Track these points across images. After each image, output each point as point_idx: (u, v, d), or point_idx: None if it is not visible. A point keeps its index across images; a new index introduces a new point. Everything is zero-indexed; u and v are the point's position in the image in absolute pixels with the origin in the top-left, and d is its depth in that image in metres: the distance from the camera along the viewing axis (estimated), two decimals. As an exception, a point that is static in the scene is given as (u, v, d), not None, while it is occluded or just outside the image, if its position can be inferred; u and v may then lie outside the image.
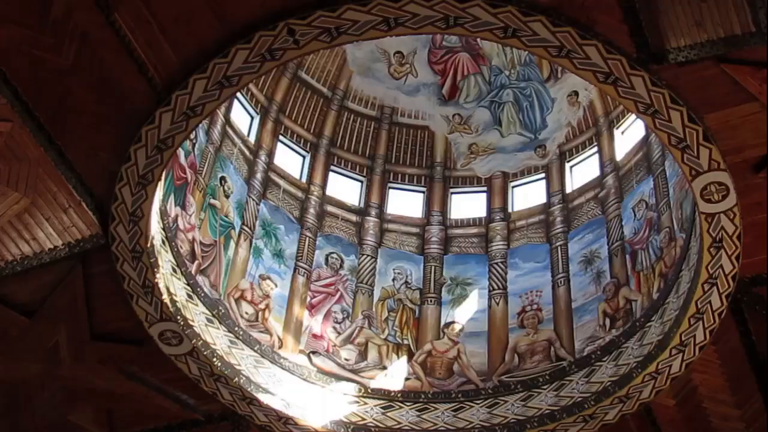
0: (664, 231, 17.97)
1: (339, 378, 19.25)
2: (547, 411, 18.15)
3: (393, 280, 21.08)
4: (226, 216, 19.23)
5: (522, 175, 22.63)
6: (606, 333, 18.57)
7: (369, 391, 19.19)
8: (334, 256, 20.99)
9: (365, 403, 18.97)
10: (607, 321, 18.73)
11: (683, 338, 16.06)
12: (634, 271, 18.69)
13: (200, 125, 16.98)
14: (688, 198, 16.18)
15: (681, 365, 16.29)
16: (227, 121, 19.97)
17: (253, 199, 20.33)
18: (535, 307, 20.11)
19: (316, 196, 21.52)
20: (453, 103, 23.27)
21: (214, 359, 17.20)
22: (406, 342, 20.22)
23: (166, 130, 14.14)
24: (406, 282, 21.04)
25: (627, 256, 19.05)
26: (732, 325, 15.54)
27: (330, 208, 21.66)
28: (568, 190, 21.66)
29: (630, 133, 20.70)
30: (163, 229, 16.43)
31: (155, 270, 15.82)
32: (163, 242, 16.40)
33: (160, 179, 14.87)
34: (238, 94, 20.20)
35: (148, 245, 15.51)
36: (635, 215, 19.38)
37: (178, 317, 16.55)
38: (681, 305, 16.22)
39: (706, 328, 15.73)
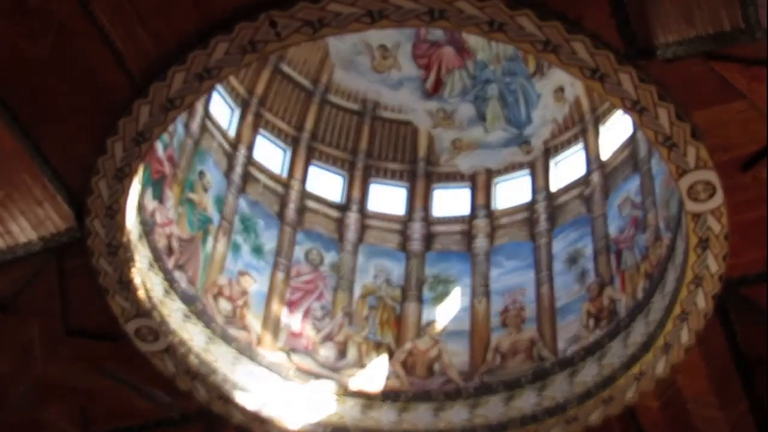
0: (649, 230, 17.94)
1: (318, 376, 19.27)
2: (529, 412, 18.21)
3: (374, 277, 21.11)
4: (205, 210, 19.21)
5: (506, 172, 22.65)
6: (590, 333, 18.61)
7: (348, 390, 19.22)
8: (314, 252, 21.00)
9: (344, 403, 19.00)
10: (591, 321, 18.76)
11: (668, 339, 16.07)
12: (619, 270, 18.71)
13: (179, 118, 16.88)
14: (675, 196, 16.13)
15: (665, 367, 16.30)
16: (206, 113, 19.87)
17: (232, 194, 20.31)
18: (518, 306, 20.14)
19: (296, 191, 21.48)
20: (437, 97, 23.24)
21: (191, 356, 17.26)
22: (386, 340, 20.25)
23: (144, 122, 14.05)
24: (387, 279, 21.10)
25: (612, 255, 19.09)
26: (718, 327, 15.56)
27: (310, 204, 21.62)
28: (553, 187, 21.66)
29: (616, 130, 20.72)
30: (140, 223, 16.39)
31: (131, 265, 15.86)
32: (140, 237, 16.38)
33: (137, 172, 14.82)
34: (218, 87, 20.09)
35: (125, 240, 15.51)
36: (621, 213, 19.39)
37: (155, 313, 16.55)
38: (666, 306, 16.22)
39: (692, 330, 15.73)
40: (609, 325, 18.33)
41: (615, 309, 18.39)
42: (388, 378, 19.65)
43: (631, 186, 19.32)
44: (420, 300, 20.88)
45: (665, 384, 16.52)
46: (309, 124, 22.48)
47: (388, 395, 19.28)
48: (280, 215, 20.96)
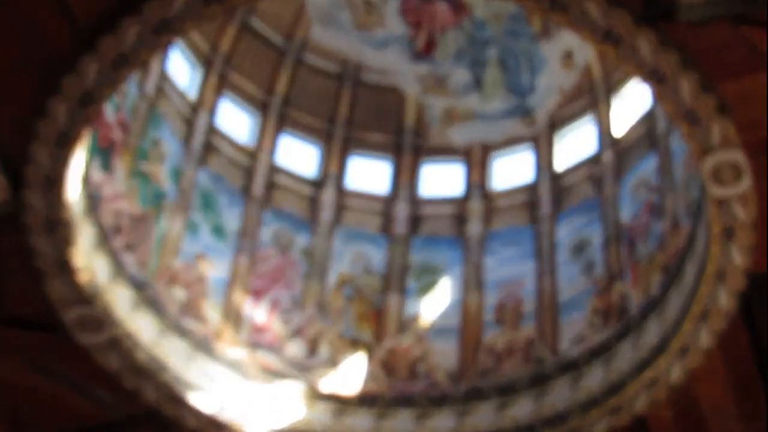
0: (667, 216, 18.09)
1: (284, 376, 19.44)
2: (525, 422, 18.36)
3: (351, 264, 21.28)
4: (159, 184, 19.24)
5: (505, 147, 22.80)
6: (596, 332, 18.79)
7: (319, 392, 19.38)
8: (284, 234, 21.12)
9: (314, 407, 19.16)
10: (598, 318, 18.94)
11: (685, 341, 16.15)
12: (632, 261, 18.86)
13: (131, 77, 17.02)
14: (697, 179, 16.23)
15: (681, 373, 16.38)
16: (163, 73, 19.83)
17: (191, 166, 20.32)
18: (515, 300, 20.34)
19: (264, 163, 21.55)
20: (428, 60, 23.24)
21: (139, 351, 17.25)
22: (363, 337, 20.49)
23: (91, 81, 13.98)
24: (366, 267, 21.29)
25: (623, 245, 19.24)
26: (741, 328, 15.59)
27: (280, 179, 21.73)
28: (558, 166, 21.83)
29: (632, 103, 20.77)
30: (85, 197, 16.32)
31: (73, 245, 15.71)
32: (84, 213, 16.29)
33: (82, 139, 14.73)
34: (177, 42, 20.07)
35: (66, 215, 15.41)
36: (635, 197, 19.52)
37: (98, 300, 16.48)
38: (684, 303, 16.32)
39: (712, 331, 15.74)
40: (618, 323, 18.45)
41: (625, 306, 18.48)
42: (364, 380, 19.81)
43: (648, 166, 19.39)
44: (403, 291, 21.02)
45: (680, 392, 16.58)
46: (281, 88, 22.48)
47: (365, 399, 19.41)
48: (246, 191, 21.02)
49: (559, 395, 18.44)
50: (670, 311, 16.89)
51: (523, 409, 18.59)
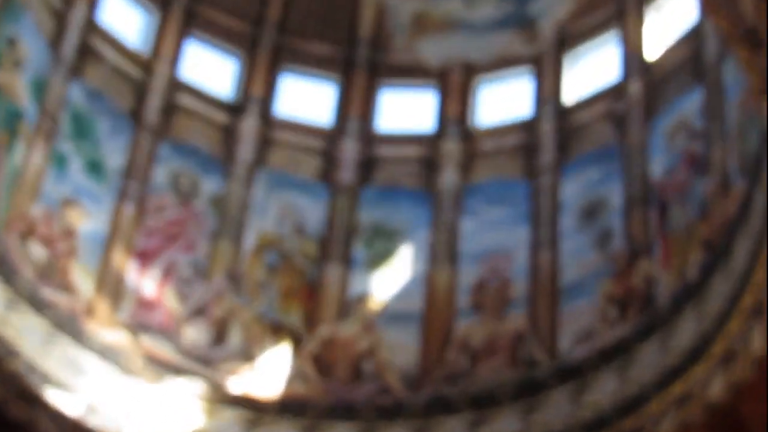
0: (714, 173, 18.11)
1: (180, 371, 19.55)
2: (507, 446, 18.41)
3: (277, 221, 21.39)
4: (14, 100, 19.18)
5: (495, 70, 22.93)
6: (609, 328, 18.90)
7: (227, 394, 19.46)
8: (186, 176, 21.28)
9: (220, 414, 19.27)
10: (614, 309, 19.05)
11: (730, 344, 16.01)
12: (663, 232, 19.05)
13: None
14: (756, 124, 16.09)
15: (724, 387, 16.16)
16: (23, -55, 19.62)
17: (60, 77, 20.16)
18: (500, 279, 20.58)
19: (162, 78, 21.67)
20: (393, -56, 23.21)
21: (-23, 329, 16.98)
22: (291, 321, 20.63)
23: None
24: (297, 226, 21.33)
25: (652, 209, 19.42)
26: (808, 328, 15.43)
27: (184, 100, 22.05)
28: (567, 98, 22.00)
29: (671, 15, 20.72)
30: None
31: None
32: None
33: None
34: None
35: None
36: (670, 145, 19.66)
37: None
38: (732, 292, 16.15)
39: (769, 331, 15.65)
40: (640, 317, 18.50)
41: (651, 293, 18.57)
42: (289, 380, 19.94)
43: (689, 104, 19.48)
44: (347, 261, 21.23)
45: (721, 412, 16.40)
46: (188, -25, 22.42)
47: (289, 407, 19.54)
48: (135, 115, 21.21)
49: (556, 411, 18.57)
50: (713, 303, 16.80)
51: (505, 427, 18.69)
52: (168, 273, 20.32)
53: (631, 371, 18.02)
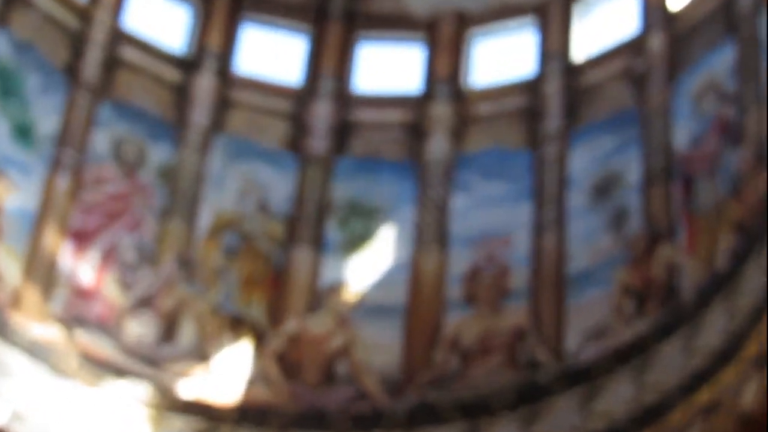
0: (749, 143, 17.39)
1: (121, 372, 18.67)
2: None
3: (238, 196, 20.80)
4: None
5: (492, 20, 22.13)
6: (625, 325, 18.04)
7: (176, 400, 18.69)
8: (131, 143, 20.48)
9: (167, 423, 18.56)
10: (630, 302, 18.21)
11: (766, 344, 15.21)
12: (688, 212, 18.23)
13: None
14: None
15: (759, 393, 15.23)
16: None
17: (-21, 23, 19.50)
18: (497, 266, 19.80)
19: (103, 26, 20.81)
20: None
21: None
22: (252, 314, 19.88)
23: None
24: (261, 202, 20.74)
25: (676, 185, 18.64)
26: None
27: (128, 53, 21.07)
28: (577, 54, 21.32)
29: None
30: None
31: None
32: None
33: None
34: None
35: None
36: (698, 109, 18.89)
37: None
38: (768, 283, 15.25)
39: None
40: (662, 311, 17.67)
41: (675, 283, 17.74)
42: (251, 383, 19.17)
43: (720, 62, 18.81)
44: (319, 245, 20.49)
45: (755, 422, 15.44)
46: None
47: (250, 414, 18.77)
48: (71, 71, 20.33)
49: (561, 421, 17.67)
50: (746, 296, 16.05)
51: (501, 440, 17.28)
52: (108, 257, 19.58)
53: (649, 375, 17.15)
